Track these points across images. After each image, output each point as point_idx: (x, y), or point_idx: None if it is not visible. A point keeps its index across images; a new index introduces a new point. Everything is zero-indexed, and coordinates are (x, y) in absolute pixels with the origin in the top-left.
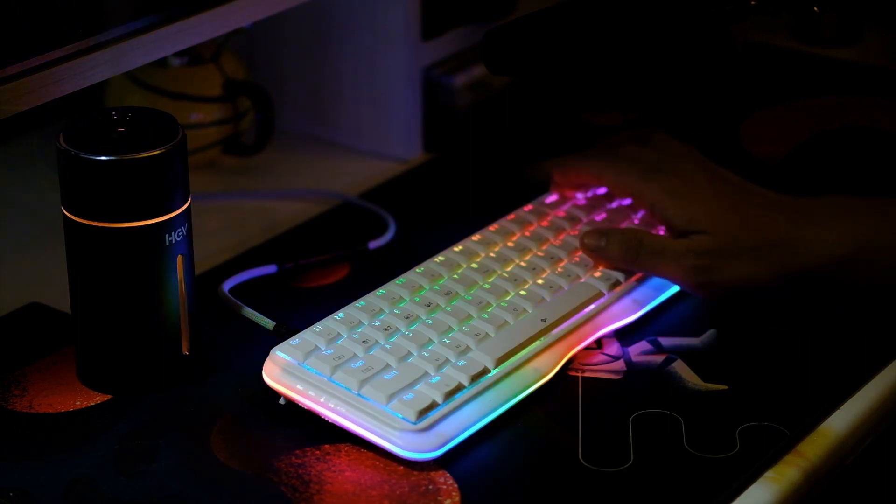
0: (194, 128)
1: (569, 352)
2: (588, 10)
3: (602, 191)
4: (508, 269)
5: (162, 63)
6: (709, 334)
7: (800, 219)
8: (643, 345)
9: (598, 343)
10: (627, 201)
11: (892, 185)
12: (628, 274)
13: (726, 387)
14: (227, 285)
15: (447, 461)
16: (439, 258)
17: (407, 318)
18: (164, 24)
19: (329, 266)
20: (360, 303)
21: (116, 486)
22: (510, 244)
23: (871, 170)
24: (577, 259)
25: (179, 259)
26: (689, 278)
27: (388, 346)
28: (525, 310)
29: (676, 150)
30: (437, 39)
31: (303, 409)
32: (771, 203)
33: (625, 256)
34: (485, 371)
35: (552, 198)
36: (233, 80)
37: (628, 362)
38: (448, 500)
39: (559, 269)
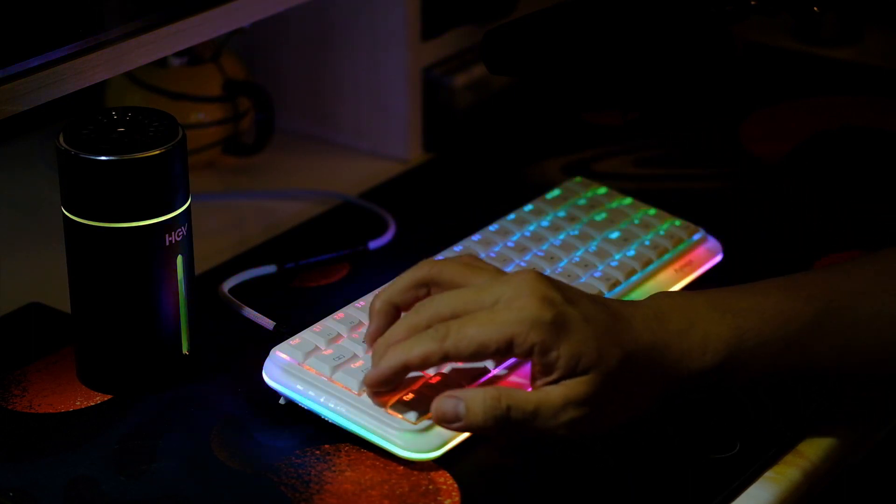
0: (194, 128)
1: None
2: (588, 10)
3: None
4: (508, 269)
5: (162, 63)
6: None
7: (670, 335)
8: None
9: None
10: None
11: (893, 184)
12: (629, 274)
13: None
14: (227, 285)
15: (447, 461)
16: (439, 258)
17: None
18: (164, 24)
19: (329, 266)
20: (360, 303)
21: (116, 486)
22: (510, 244)
23: (871, 170)
24: (577, 259)
25: (179, 259)
26: (569, 433)
27: None
28: None
29: (503, 277)
30: (437, 39)
31: (303, 409)
32: (633, 321)
33: (493, 425)
34: (485, 371)
35: (552, 194)
36: (233, 80)
37: None
38: (448, 500)
39: (559, 269)
